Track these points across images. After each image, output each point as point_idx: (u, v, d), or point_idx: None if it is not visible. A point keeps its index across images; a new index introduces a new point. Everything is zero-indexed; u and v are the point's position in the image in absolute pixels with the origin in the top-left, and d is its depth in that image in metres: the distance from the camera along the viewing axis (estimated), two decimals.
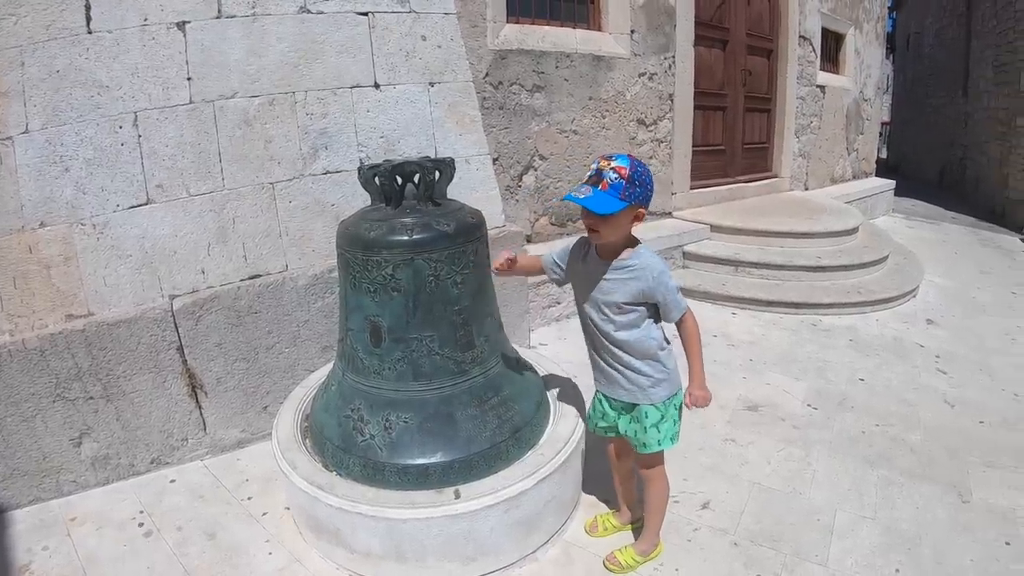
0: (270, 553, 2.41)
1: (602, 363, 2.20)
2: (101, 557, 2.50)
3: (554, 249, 2.23)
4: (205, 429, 3.18)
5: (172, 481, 3.01)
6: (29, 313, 2.90)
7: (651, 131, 6.35)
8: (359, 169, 2.37)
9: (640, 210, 2.01)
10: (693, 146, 6.67)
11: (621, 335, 2.09)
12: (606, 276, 2.02)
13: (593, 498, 2.71)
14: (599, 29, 5.88)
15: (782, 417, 3.49)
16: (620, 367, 2.14)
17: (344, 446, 2.26)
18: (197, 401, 3.13)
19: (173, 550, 2.46)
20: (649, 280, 2.01)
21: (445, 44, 4.07)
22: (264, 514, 2.65)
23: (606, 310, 2.08)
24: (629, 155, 1.99)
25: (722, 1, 7.05)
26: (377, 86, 3.72)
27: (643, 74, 6.11)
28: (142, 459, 3.07)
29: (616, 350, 2.12)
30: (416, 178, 2.33)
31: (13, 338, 2.80)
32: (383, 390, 2.26)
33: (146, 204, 3.06)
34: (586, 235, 2.10)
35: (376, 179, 2.32)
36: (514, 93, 5.09)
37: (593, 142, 5.77)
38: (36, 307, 2.91)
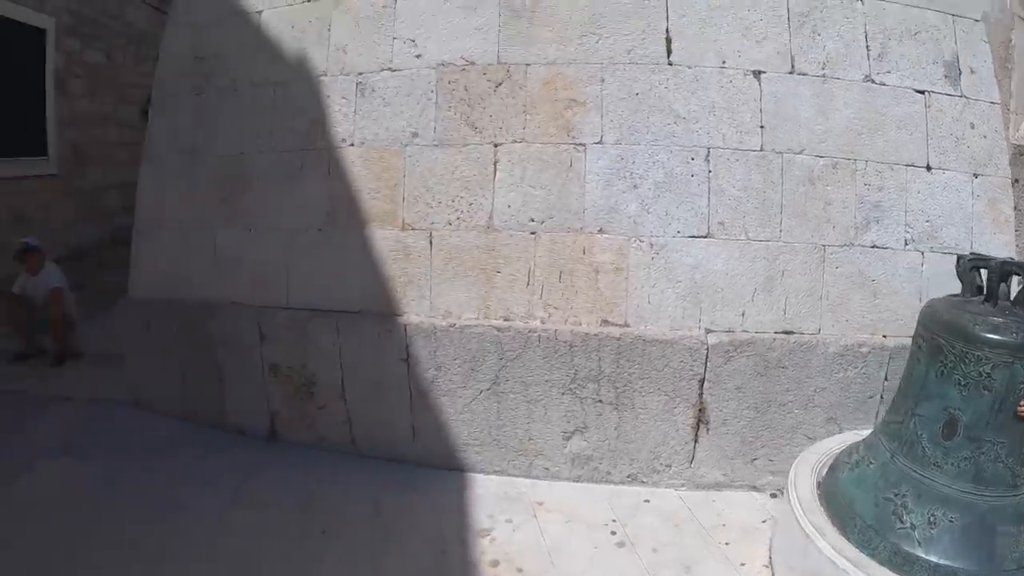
0: None
1: None
2: (569, 551, 2.51)
3: None
4: (691, 462, 2.98)
5: (646, 501, 2.88)
6: (566, 307, 2.94)
7: None
8: (959, 258, 2.33)
9: None
10: None
11: None
12: None
13: None
14: None
15: None
16: None
17: (877, 527, 2.15)
18: (696, 434, 2.94)
19: (647, 568, 2.43)
20: None
21: (990, 135, 3.63)
22: (742, 564, 2.51)
23: None
24: None
25: None
26: (929, 168, 3.34)
27: None
28: (620, 471, 2.98)
29: None
30: (1015, 280, 2.22)
31: (544, 326, 2.89)
32: (938, 484, 2.14)
33: (705, 237, 2.98)
34: None
35: (977, 272, 2.26)
36: None
37: None
38: (575, 305, 2.94)
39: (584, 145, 3.03)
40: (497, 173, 3.08)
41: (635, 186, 2.97)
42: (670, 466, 2.98)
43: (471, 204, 3.11)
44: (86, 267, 6.18)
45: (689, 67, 3.07)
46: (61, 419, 3.83)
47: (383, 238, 3.22)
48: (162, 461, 3.29)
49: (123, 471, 3.20)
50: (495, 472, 3.05)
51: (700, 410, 2.89)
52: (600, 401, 2.91)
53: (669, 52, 3.07)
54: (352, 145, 3.28)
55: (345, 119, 3.31)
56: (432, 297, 3.15)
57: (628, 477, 3.00)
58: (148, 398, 3.83)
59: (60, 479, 3.13)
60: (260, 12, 3.49)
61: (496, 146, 3.09)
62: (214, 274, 3.54)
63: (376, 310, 3.21)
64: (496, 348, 2.98)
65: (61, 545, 2.57)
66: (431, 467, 3.13)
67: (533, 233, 3.03)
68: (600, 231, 2.96)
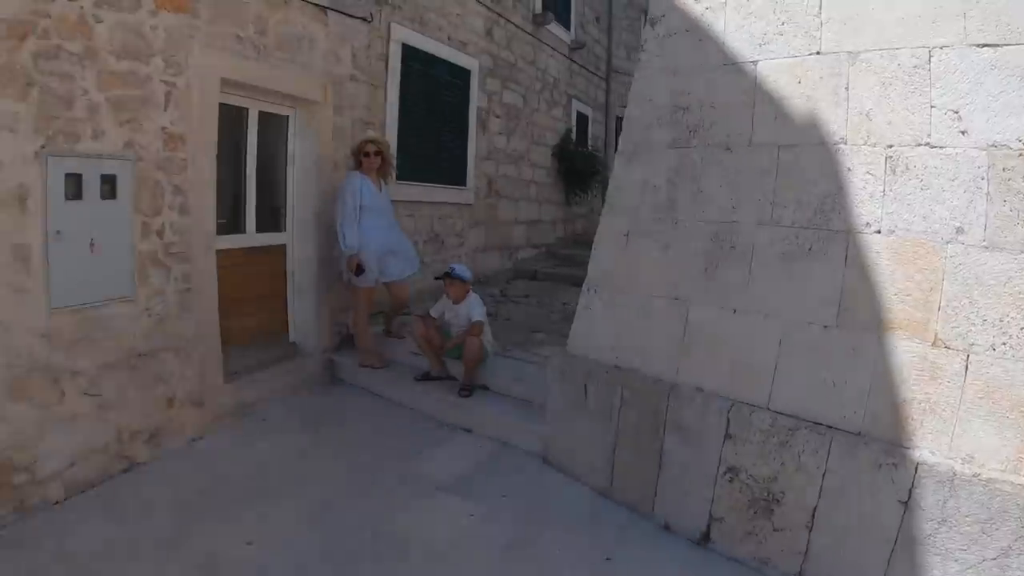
0: None
1: None
2: None
3: None
4: None
5: None
6: None
7: None
8: None
9: None
10: None
11: None
12: None
13: None
14: None
15: None
16: None
17: None
18: None
19: None
20: None
21: None
22: None
23: None
24: None
25: None
26: None
27: None
28: None
29: None
30: None
31: None
32: None
33: None
34: None
35: None
36: None
37: None
38: None
39: None
40: None
41: None
42: None
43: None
44: (489, 296, 6.51)
45: None
46: (461, 453, 3.83)
47: (905, 351, 2.54)
48: (570, 535, 3.04)
49: (524, 533, 3.03)
50: None
51: None
52: None
53: None
54: (878, 232, 2.66)
55: (870, 199, 2.70)
56: (955, 435, 2.41)
57: None
58: (562, 459, 3.64)
59: (452, 524, 3.09)
60: (755, 62, 3.06)
61: None
62: (680, 352, 3.19)
63: (880, 436, 2.56)
64: (1020, 513, 2.19)
65: None
66: None
67: None
68: None
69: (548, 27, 8.67)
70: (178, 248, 3.57)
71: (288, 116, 4.60)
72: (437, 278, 4.42)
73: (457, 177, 6.87)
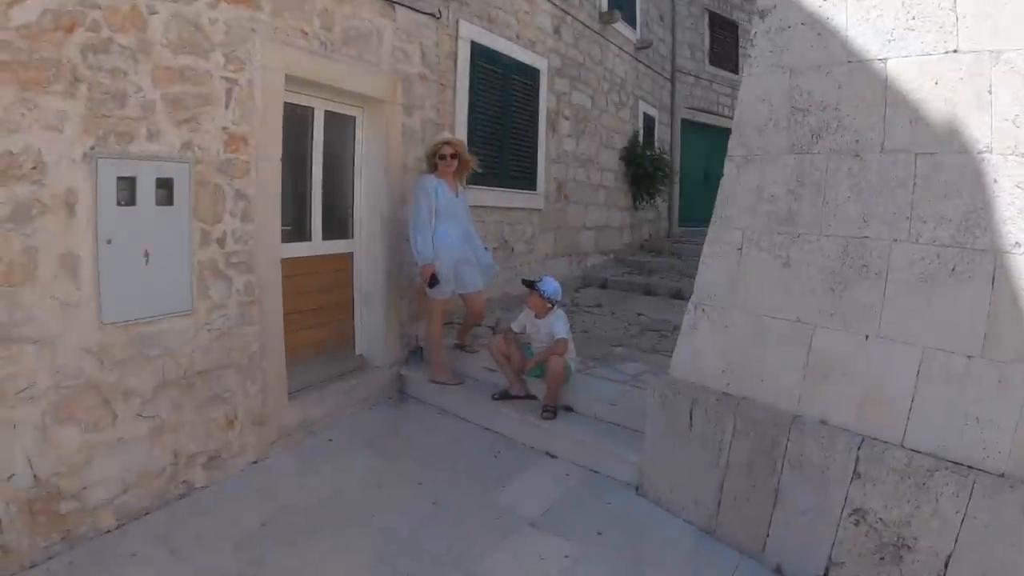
0: None
1: None
2: None
3: None
4: None
5: None
6: None
7: None
8: None
9: None
10: None
11: None
12: None
13: None
14: None
15: None
16: None
17: None
18: None
19: None
20: None
21: None
22: None
23: None
24: None
25: None
26: None
27: None
28: None
29: None
30: None
31: None
32: None
33: None
34: None
35: None
36: None
37: None
38: None
39: None
40: None
41: None
42: None
43: None
44: (559, 305, 6.12)
45: None
46: (547, 482, 3.47)
47: None
48: None
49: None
50: None
51: None
52: None
53: None
54: None
55: (1020, 215, 2.24)
56: None
57: None
58: (660, 491, 3.23)
59: (547, 567, 2.73)
60: (884, 60, 2.60)
61: None
62: (801, 380, 2.76)
63: None
64: None
65: None
66: None
67: None
68: None
69: (614, 25, 8.28)
70: (240, 257, 3.30)
71: (355, 116, 4.33)
72: (525, 283, 4.03)
73: (527, 181, 6.51)
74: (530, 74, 6.44)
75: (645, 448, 3.33)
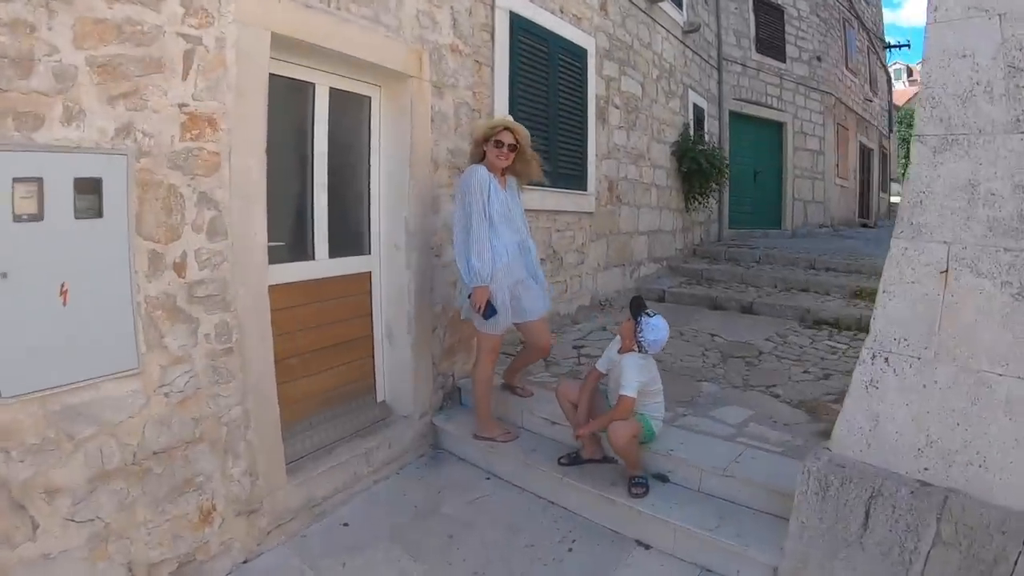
0: None
1: None
2: None
3: None
4: None
5: None
6: None
7: None
8: None
9: None
10: None
11: None
12: None
13: None
14: None
15: None
16: None
17: None
18: None
19: None
20: None
21: None
22: None
23: None
24: None
25: None
26: None
27: None
28: None
29: None
30: None
31: None
32: None
33: None
34: None
35: None
36: None
37: None
38: None
39: None
40: None
41: None
42: None
43: None
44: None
45: None
46: None
47: None
48: None
49: None
50: None
51: None
52: None
53: None
54: None
55: None
56: None
57: None
58: None
59: None
60: None
61: None
62: None
63: None
64: None
65: None
66: None
67: None
68: None
69: (661, 5, 7.30)
70: (209, 289, 2.36)
71: (370, 97, 3.37)
72: (633, 305, 2.91)
73: (576, 180, 5.51)
74: (577, 54, 5.46)
75: (789, 550, 2.33)
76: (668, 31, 7.73)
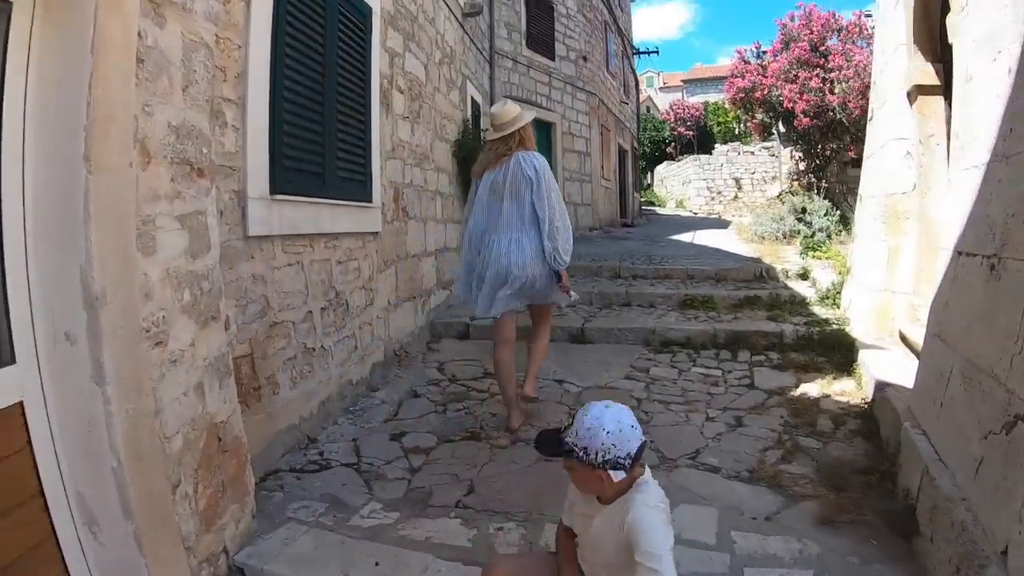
0: None
1: None
2: None
3: None
4: None
5: None
6: None
7: None
8: None
9: None
10: None
11: None
12: None
13: None
14: None
15: None
16: None
17: None
18: None
19: None
20: None
21: None
22: None
23: None
24: None
25: None
26: None
27: None
28: None
29: None
30: None
31: None
32: None
33: None
34: None
35: None
36: None
37: None
38: None
39: None
40: None
41: None
42: None
43: None
44: (428, 384, 3.68)
45: None
46: None
47: None
48: None
49: None
50: None
51: None
52: None
53: None
54: None
55: None
56: None
57: None
58: None
59: None
60: None
61: None
62: None
63: None
64: None
65: None
66: None
67: None
68: None
69: None
70: None
71: (11, 3, 1.50)
72: (541, 447, 1.56)
73: (358, 187, 3.95)
74: (362, 12, 3.91)
75: None
76: (450, 10, 6.53)
